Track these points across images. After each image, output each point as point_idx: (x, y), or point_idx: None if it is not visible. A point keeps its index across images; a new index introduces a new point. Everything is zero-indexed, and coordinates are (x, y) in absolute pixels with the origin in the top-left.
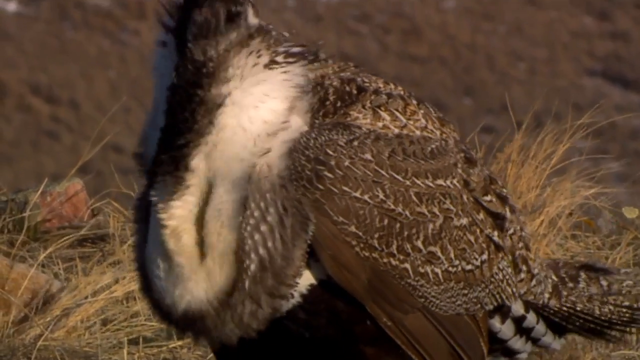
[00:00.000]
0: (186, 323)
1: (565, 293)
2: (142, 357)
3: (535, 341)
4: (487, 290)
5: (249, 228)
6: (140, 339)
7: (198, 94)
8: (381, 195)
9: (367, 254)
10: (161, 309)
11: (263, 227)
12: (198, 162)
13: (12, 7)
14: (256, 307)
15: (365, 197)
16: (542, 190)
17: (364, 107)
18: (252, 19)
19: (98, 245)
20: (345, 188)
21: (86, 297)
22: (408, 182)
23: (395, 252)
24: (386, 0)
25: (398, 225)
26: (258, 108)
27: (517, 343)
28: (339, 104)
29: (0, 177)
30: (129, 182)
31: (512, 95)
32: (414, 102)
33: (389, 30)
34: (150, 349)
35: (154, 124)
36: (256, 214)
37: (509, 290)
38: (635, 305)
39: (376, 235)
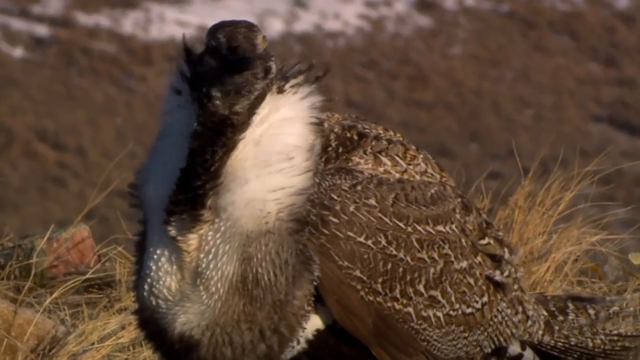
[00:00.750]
0: (182, 351)
1: (557, 327)
2: None
3: None
4: (486, 334)
5: (254, 260)
6: None
7: (221, 141)
8: (384, 242)
9: (371, 298)
10: (158, 336)
11: (268, 263)
12: (214, 200)
13: (18, 52)
14: (257, 339)
15: (369, 242)
16: (548, 236)
17: (365, 152)
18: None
19: (105, 291)
20: (350, 233)
21: (93, 343)
22: (410, 229)
23: (398, 296)
24: (393, 46)
25: (401, 270)
26: (276, 143)
27: None
28: (340, 149)
29: (7, 223)
30: (136, 227)
31: (519, 141)
32: (413, 147)
33: (395, 77)
34: None
35: (157, 163)
36: (262, 249)
37: (508, 331)
38: (624, 333)
39: (380, 280)
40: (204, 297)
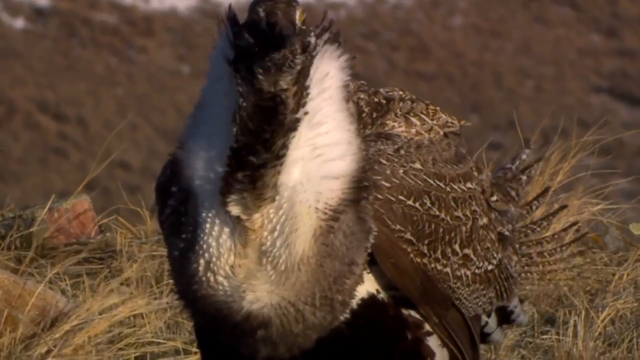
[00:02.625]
0: (247, 329)
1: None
2: None
3: (510, 321)
4: (497, 290)
5: (323, 234)
6: (148, 357)
7: (277, 120)
8: (428, 203)
9: (418, 260)
10: (216, 315)
11: (336, 235)
12: (277, 179)
13: (19, 24)
14: (327, 312)
15: (417, 204)
16: (549, 207)
17: (396, 115)
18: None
19: (105, 261)
20: (401, 197)
21: (94, 315)
22: (448, 188)
23: (440, 257)
24: (394, 17)
25: (441, 230)
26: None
27: (497, 332)
28: (374, 115)
29: (8, 194)
30: (136, 198)
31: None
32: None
33: (396, 48)
34: None
35: (201, 137)
36: (330, 222)
37: (513, 288)
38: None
39: (426, 242)
40: (272, 275)
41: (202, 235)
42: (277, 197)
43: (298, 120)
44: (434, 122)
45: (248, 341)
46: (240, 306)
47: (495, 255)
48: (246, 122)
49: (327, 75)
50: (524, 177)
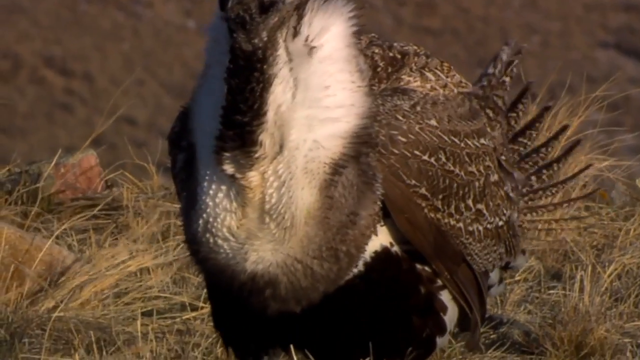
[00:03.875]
0: (255, 288)
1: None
2: (156, 329)
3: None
4: (505, 247)
5: (325, 187)
6: (154, 312)
7: (255, 77)
8: (443, 158)
9: (432, 215)
10: (221, 277)
11: (338, 188)
12: (264, 136)
13: None
14: (333, 264)
15: (432, 159)
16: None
17: (411, 70)
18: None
19: (112, 217)
20: (417, 152)
21: (100, 271)
22: (462, 144)
23: (453, 212)
24: None
25: (455, 185)
26: (318, 75)
27: (497, 286)
28: (389, 69)
29: (15, 149)
30: (143, 154)
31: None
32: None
33: (402, 3)
34: (164, 321)
35: (203, 95)
36: (333, 175)
37: (519, 245)
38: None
39: (440, 197)
40: (275, 232)
41: (201, 194)
42: (280, 155)
43: (274, 76)
44: (449, 79)
45: (257, 299)
46: (244, 267)
47: (505, 211)
48: (229, 81)
49: (324, 31)
50: (507, 79)
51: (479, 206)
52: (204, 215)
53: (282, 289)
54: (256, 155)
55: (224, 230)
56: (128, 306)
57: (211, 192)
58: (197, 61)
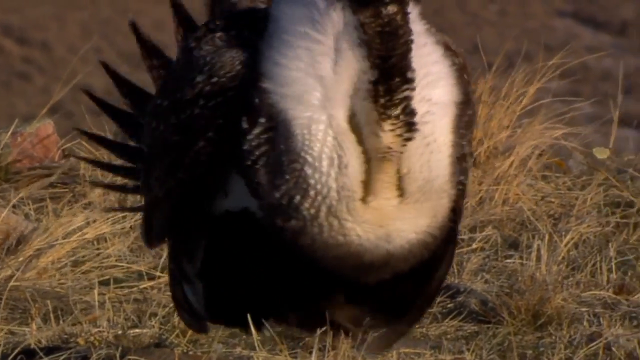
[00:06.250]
0: (377, 267)
1: None
2: (113, 298)
3: None
4: None
5: (462, 159)
6: (111, 280)
7: (406, 41)
8: None
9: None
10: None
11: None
12: (411, 105)
13: None
14: (436, 238)
15: None
16: (512, 131)
17: None
18: None
19: (69, 186)
20: None
21: (57, 239)
22: None
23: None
24: None
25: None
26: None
27: None
28: None
29: None
30: (100, 123)
31: (483, 37)
32: None
33: None
34: (121, 290)
35: (300, 78)
36: (462, 147)
37: None
38: None
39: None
40: (416, 208)
41: (317, 175)
42: (419, 126)
43: (412, 42)
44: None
45: (367, 273)
46: (377, 248)
47: None
48: (375, 51)
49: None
50: None
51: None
52: (325, 199)
53: (402, 263)
54: (403, 124)
55: (354, 212)
56: (85, 275)
57: (333, 172)
58: (154, 30)
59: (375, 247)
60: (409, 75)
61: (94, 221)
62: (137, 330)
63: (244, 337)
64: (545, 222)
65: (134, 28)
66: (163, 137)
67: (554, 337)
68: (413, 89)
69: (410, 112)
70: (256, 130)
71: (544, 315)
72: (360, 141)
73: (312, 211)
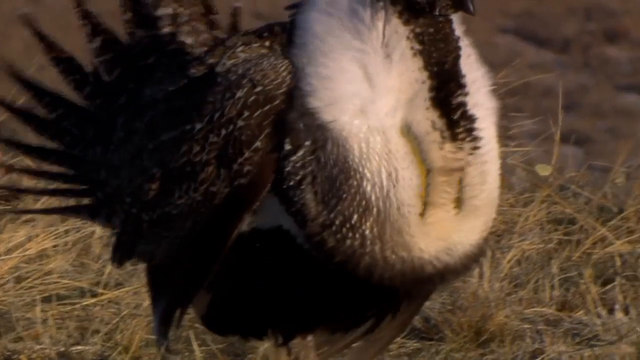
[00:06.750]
0: (436, 278)
1: None
2: (56, 315)
3: None
4: None
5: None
6: (54, 297)
7: (457, 47)
8: None
9: None
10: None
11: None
12: (468, 112)
13: None
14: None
15: None
16: None
17: None
18: None
19: (11, 202)
20: None
21: (0, 255)
22: None
23: None
24: None
25: None
26: None
27: None
28: None
29: None
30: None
31: None
32: None
33: None
34: (64, 307)
35: (348, 92)
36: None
37: None
38: None
39: None
40: (473, 222)
41: (377, 191)
42: (478, 134)
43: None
44: None
45: (418, 286)
46: (438, 261)
47: None
48: (433, 59)
49: None
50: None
51: None
52: (386, 216)
53: (453, 275)
54: (462, 135)
55: (414, 228)
56: (28, 291)
57: (392, 191)
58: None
59: (437, 261)
60: (462, 80)
61: (36, 236)
62: (79, 347)
63: (186, 353)
64: None
65: (28, 21)
66: (191, 159)
67: (496, 354)
68: (467, 94)
69: (469, 118)
70: (301, 152)
71: (487, 332)
72: (416, 153)
73: (374, 229)
